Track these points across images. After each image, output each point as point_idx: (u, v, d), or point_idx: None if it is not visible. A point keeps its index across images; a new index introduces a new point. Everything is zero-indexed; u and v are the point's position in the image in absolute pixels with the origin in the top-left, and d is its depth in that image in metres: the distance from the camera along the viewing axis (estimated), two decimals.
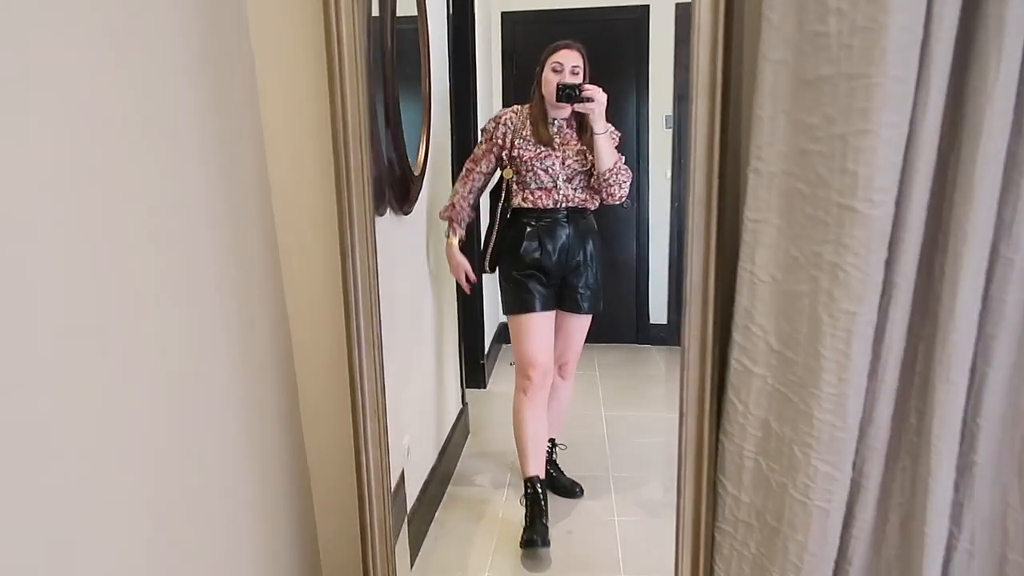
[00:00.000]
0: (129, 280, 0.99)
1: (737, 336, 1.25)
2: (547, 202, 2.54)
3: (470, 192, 2.62)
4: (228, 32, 1.30)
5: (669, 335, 5.35)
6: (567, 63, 2.47)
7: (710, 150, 1.24)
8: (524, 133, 2.53)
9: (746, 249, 1.21)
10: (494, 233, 2.62)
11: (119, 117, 0.98)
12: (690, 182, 1.27)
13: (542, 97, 2.53)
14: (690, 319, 1.33)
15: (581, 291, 2.63)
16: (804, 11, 1.07)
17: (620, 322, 4.79)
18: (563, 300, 2.65)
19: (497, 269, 2.65)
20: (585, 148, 2.51)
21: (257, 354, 1.34)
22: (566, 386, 2.83)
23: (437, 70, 2.87)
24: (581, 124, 2.54)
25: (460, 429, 3.19)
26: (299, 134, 1.41)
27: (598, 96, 2.38)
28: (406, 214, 2.26)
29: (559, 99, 2.40)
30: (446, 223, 2.66)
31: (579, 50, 2.50)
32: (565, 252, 2.56)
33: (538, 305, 2.57)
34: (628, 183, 2.49)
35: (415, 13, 2.41)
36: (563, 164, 2.51)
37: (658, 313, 5.37)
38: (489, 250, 2.63)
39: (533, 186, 2.53)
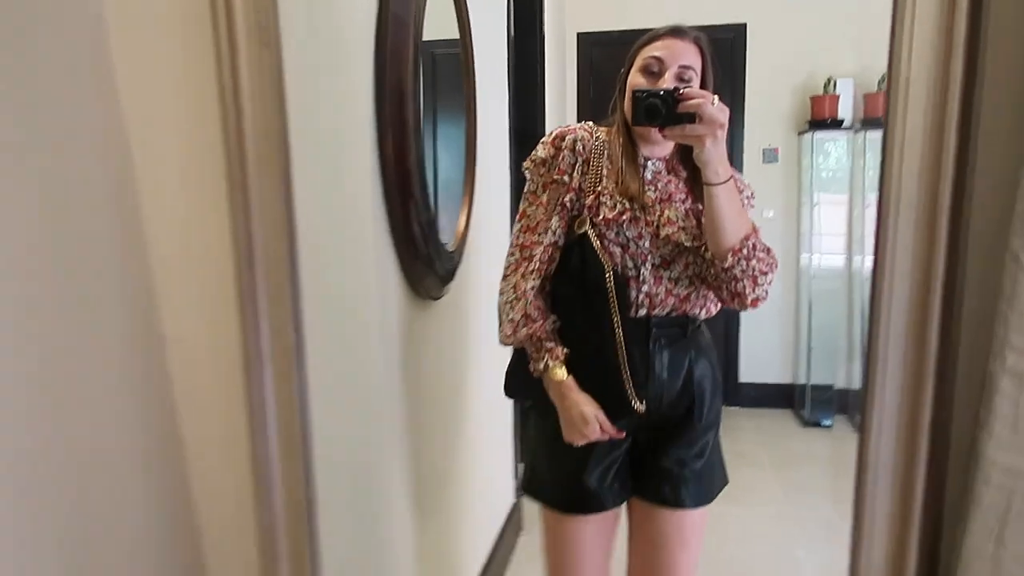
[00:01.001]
0: None
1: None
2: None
3: (542, 279, 1.45)
4: None
5: (762, 396, 4.71)
6: (672, 60, 1.38)
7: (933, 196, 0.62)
8: (599, 171, 1.45)
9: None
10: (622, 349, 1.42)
11: None
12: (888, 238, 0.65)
13: (626, 122, 1.43)
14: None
15: (678, 469, 1.49)
16: None
17: None
18: (645, 483, 1.52)
19: (523, 398, 1.57)
20: (700, 214, 1.42)
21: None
22: None
23: (491, 106, 2.31)
24: (694, 172, 1.41)
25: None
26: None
27: (709, 111, 1.26)
28: (435, 299, 1.69)
29: (636, 119, 1.33)
30: (530, 347, 1.46)
31: (697, 42, 1.41)
32: (652, 393, 1.44)
33: (605, 498, 1.49)
34: (770, 276, 1.40)
35: (456, 35, 1.86)
36: (656, 238, 1.42)
37: (750, 371, 4.71)
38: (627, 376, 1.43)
39: None
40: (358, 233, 1.31)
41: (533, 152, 1.49)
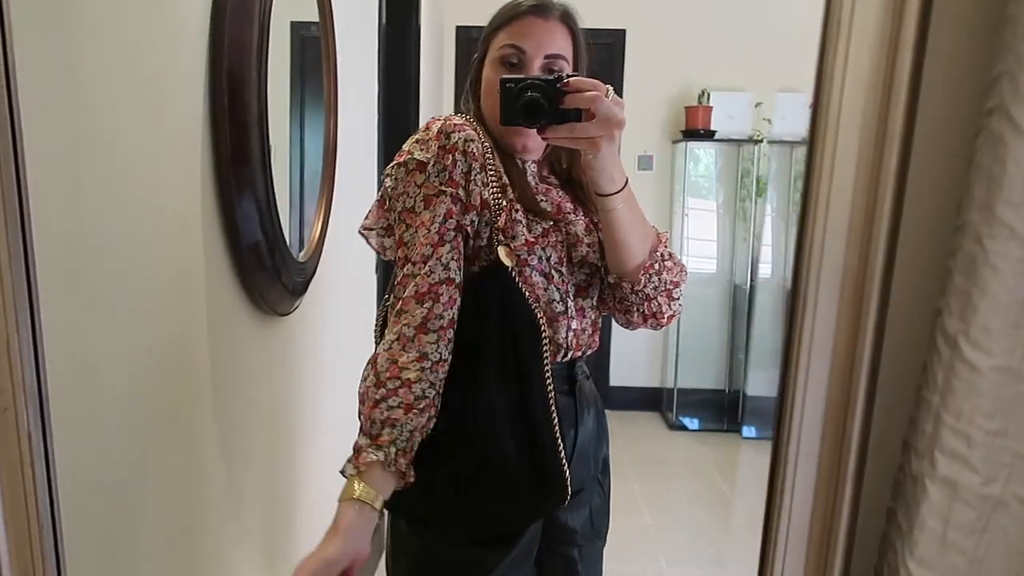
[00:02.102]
0: None
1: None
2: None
3: (445, 343, 1.05)
4: None
5: (632, 400, 4.75)
6: (537, 49, 1.11)
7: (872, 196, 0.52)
8: (499, 179, 1.12)
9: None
10: (555, 420, 1.10)
11: None
12: (809, 246, 0.55)
13: (481, 118, 1.18)
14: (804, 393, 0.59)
15: (582, 529, 1.22)
16: None
17: None
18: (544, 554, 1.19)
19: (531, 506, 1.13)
20: (597, 226, 1.16)
21: None
22: None
23: (356, 98, 2.13)
24: (569, 176, 1.22)
25: None
26: None
27: (606, 106, 0.99)
28: (284, 315, 1.50)
29: (509, 117, 1.04)
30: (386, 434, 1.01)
31: (566, 21, 1.14)
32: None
33: None
34: (682, 285, 1.18)
35: (307, 18, 1.67)
36: (569, 261, 1.15)
37: (620, 375, 4.73)
38: (564, 454, 1.10)
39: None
40: (176, 241, 1.10)
41: (402, 153, 1.10)
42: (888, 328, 0.47)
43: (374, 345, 1.16)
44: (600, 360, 4.60)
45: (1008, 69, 0.41)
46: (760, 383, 4.19)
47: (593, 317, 1.19)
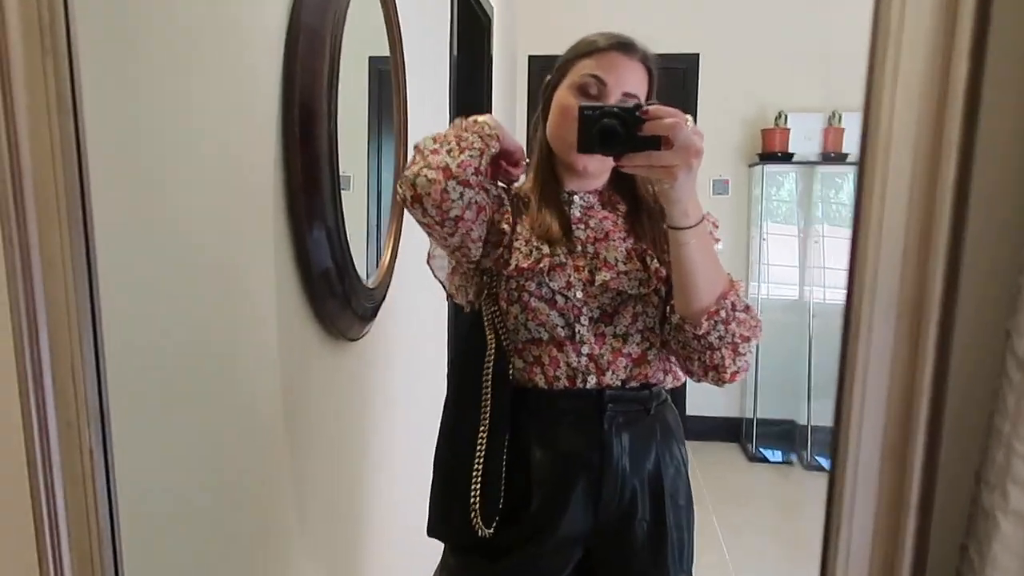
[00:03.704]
0: None
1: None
2: (556, 374, 1.17)
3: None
4: None
5: (711, 430, 4.63)
6: (616, 83, 1.14)
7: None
8: (517, 218, 1.21)
9: None
10: (481, 448, 1.17)
11: None
12: (862, 269, 0.52)
13: (549, 150, 1.22)
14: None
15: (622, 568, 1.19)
16: None
17: None
18: None
19: (489, 529, 1.16)
20: (647, 252, 1.18)
21: None
22: None
23: (427, 127, 2.17)
24: (635, 204, 1.22)
25: None
26: None
27: (685, 135, 0.99)
28: (353, 340, 1.53)
29: (587, 145, 1.04)
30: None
31: (645, 63, 1.17)
32: (604, 493, 1.17)
33: None
34: (753, 342, 1.11)
35: (385, 53, 1.72)
36: (589, 285, 1.16)
37: (696, 405, 4.62)
38: (476, 487, 1.16)
39: (523, 337, 1.19)
40: (250, 270, 1.14)
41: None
42: (954, 352, 0.44)
43: (446, 385, 1.26)
44: (677, 389, 4.50)
45: None
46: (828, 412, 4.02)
47: (617, 346, 1.17)
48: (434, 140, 1.13)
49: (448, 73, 2.49)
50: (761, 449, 4.27)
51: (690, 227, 1.05)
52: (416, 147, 1.14)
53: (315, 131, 1.28)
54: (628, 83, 1.14)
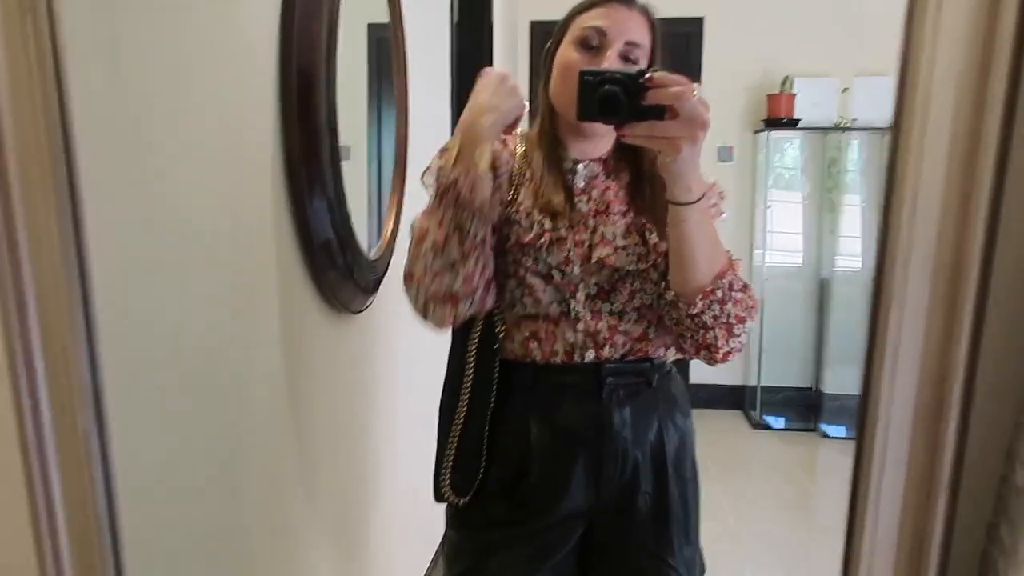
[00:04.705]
0: None
1: None
2: (554, 349, 1.14)
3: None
4: None
5: (714, 397, 4.63)
6: (617, 33, 1.09)
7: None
8: (516, 192, 1.16)
9: None
10: (460, 416, 1.18)
11: None
12: (896, 236, 0.51)
13: (551, 111, 1.18)
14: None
15: (655, 565, 1.16)
16: None
17: None
18: None
19: (463, 498, 1.18)
20: (646, 226, 1.14)
21: None
22: None
23: (429, 97, 2.13)
24: (638, 174, 1.17)
25: None
26: None
27: (691, 105, 0.93)
28: (356, 312, 1.51)
29: (586, 112, 0.98)
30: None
31: (646, 14, 1.12)
32: (605, 467, 1.14)
33: None
34: (748, 323, 1.08)
35: (384, 19, 1.67)
36: (586, 261, 1.12)
37: (700, 372, 4.61)
38: (449, 456, 1.19)
39: (518, 312, 1.16)
40: (250, 241, 1.12)
41: (433, 160, 1.19)
42: (987, 325, 0.42)
43: (449, 344, 1.24)
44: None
45: None
46: (844, 380, 4.03)
47: (613, 323, 1.14)
48: (427, 238, 1.06)
49: (449, 40, 2.45)
50: (765, 416, 4.27)
51: (691, 203, 1.00)
52: (412, 234, 1.10)
53: (314, 99, 1.24)
54: (630, 32, 1.09)
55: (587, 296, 1.13)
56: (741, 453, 3.97)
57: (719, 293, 1.05)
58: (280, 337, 1.21)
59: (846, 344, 4.05)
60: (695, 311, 1.05)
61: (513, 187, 1.16)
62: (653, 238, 1.12)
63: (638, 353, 1.16)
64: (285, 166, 1.20)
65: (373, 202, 1.73)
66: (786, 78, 4.10)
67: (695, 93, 0.94)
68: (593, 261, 1.11)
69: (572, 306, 1.13)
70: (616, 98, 0.95)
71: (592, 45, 1.09)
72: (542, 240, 1.11)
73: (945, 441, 0.41)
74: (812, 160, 4.20)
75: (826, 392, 4.16)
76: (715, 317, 1.05)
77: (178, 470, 0.92)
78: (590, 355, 1.13)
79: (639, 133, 0.96)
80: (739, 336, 1.08)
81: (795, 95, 4.07)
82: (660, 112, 0.94)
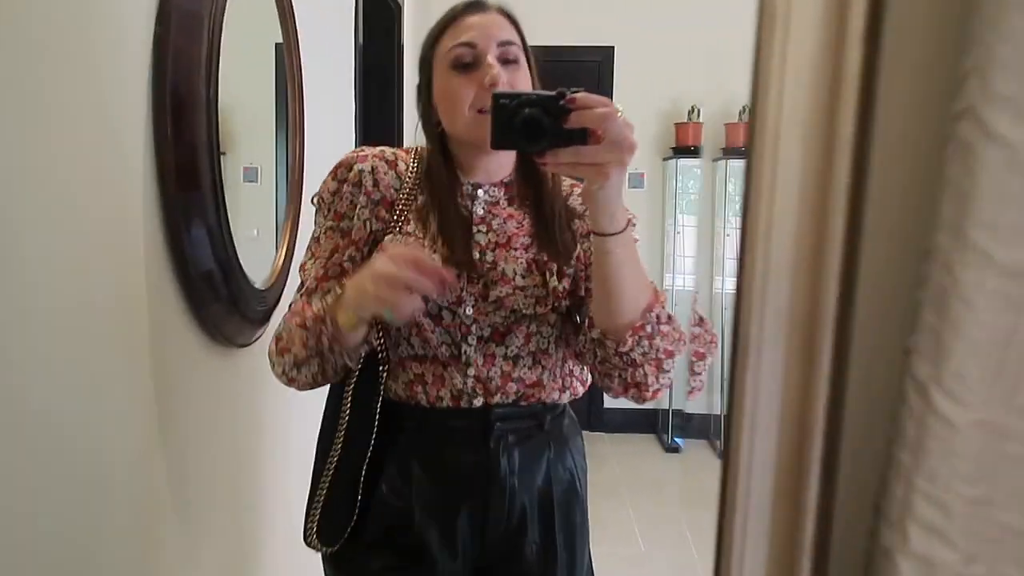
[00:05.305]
0: None
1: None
2: (440, 395, 1.07)
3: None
4: None
5: (626, 422, 4.65)
6: (486, 40, 1.03)
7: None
8: (401, 216, 1.08)
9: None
10: (333, 460, 1.11)
11: None
12: (749, 283, 0.49)
13: (442, 138, 1.10)
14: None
15: None
16: None
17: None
18: None
19: (329, 547, 1.12)
20: (548, 265, 1.07)
21: None
22: None
23: (328, 119, 2.07)
24: (542, 200, 1.10)
25: None
26: None
27: (617, 126, 0.85)
28: (243, 346, 1.43)
29: (503, 138, 0.89)
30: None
31: (504, 13, 1.07)
32: (491, 515, 1.09)
33: None
34: (677, 356, 1.02)
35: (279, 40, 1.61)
36: (481, 301, 1.06)
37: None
38: (318, 500, 1.12)
39: (404, 352, 1.09)
40: (115, 273, 1.04)
41: (325, 185, 1.12)
42: (852, 373, 0.40)
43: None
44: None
45: (978, 65, 0.34)
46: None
47: (507, 369, 1.07)
48: (288, 353, 1.05)
49: (353, 60, 2.39)
50: (676, 440, 4.32)
51: (616, 233, 0.92)
52: (277, 335, 1.09)
53: (192, 121, 1.17)
54: (498, 33, 1.04)
55: (480, 339, 1.06)
56: (653, 476, 4.00)
57: (649, 328, 0.97)
58: (151, 374, 1.13)
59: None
60: (624, 348, 0.97)
61: (401, 212, 1.08)
62: (553, 281, 1.05)
63: (530, 399, 1.09)
64: (159, 193, 1.13)
65: (282, 222, 1.66)
66: (693, 107, 4.22)
67: (620, 114, 0.86)
68: (489, 301, 1.05)
69: (463, 349, 1.06)
70: (539, 122, 0.86)
71: (467, 63, 1.03)
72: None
73: (808, 504, 0.39)
74: (710, 187, 4.32)
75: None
76: (644, 354, 0.98)
77: (36, 518, 0.83)
78: (478, 402, 1.07)
79: (564, 160, 0.87)
80: (668, 372, 1.01)
81: (702, 124, 4.18)
82: (584, 136, 0.86)
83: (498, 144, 0.90)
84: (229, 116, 1.49)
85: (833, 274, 0.35)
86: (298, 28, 1.66)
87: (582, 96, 0.86)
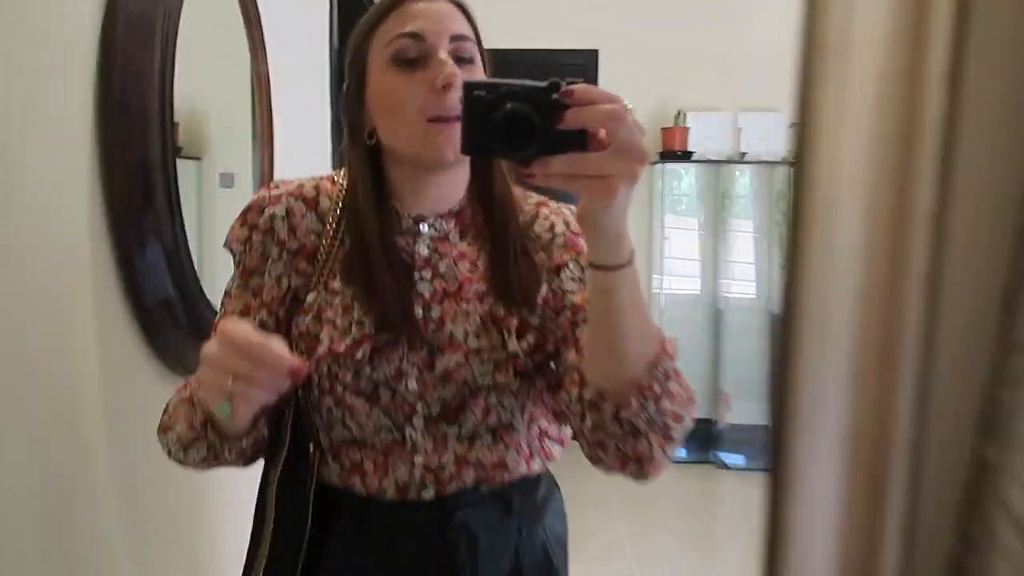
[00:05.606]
0: None
1: None
2: (382, 486, 0.86)
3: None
4: None
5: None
6: (438, 33, 0.83)
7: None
8: (324, 268, 0.88)
9: None
10: (263, 551, 0.87)
11: None
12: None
13: (374, 157, 0.89)
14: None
15: None
16: None
17: None
18: None
19: None
20: (506, 322, 0.86)
21: None
22: None
23: (302, 135, 1.98)
24: (498, 228, 0.89)
25: None
26: None
27: (626, 130, 0.62)
28: None
29: (477, 145, 0.66)
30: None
31: (458, 2, 0.87)
32: None
33: None
34: (687, 421, 0.78)
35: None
36: (428, 372, 0.84)
37: None
38: None
39: (338, 436, 0.88)
40: (54, 305, 0.94)
41: (235, 231, 0.90)
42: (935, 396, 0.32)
43: None
44: None
45: None
46: (742, 410, 4.07)
47: (462, 452, 0.86)
48: (172, 431, 0.84)
49: (328, 64, 2.30)
50: None
51: (620, 266, 0.70)
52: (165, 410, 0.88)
53: (144, 136, 1.08)
54: (452, 26, 0.83)
55: (428, 419, 0.85)
56: (643, 487, 3.92)
57: (656, 388, 0.75)
58: (104, 409, 1.03)
59: (744, 373, 4.09)
60: (627, 413, 0.75)
61: (324, 263, 0.87)
62: (512, 343, 0.84)
63: (492, 483, 0.88)
64: (107, 216, 1.03)
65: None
66: (679, 112, 4.14)
67: (629, 112, 0.63)
68: (436, 373, 0.83)
69: (408, 433, 0.85)
70: (526, 120, 0.62)
71: (411, 58, 0.82)
72: (362, 349, 0.82)
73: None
74: (707, 191, 4.26)
75: (724, 423, 4.17)
76: (650, 420, 0.75)
77: None
78: (428, 494, 0.85)
79: (557, 170, 0.63)
80: (676, 441, 0.79)
81: (688, 128, 4.11)
82: (582, 140, 0.63)
83: (471, 149, 0.66)
84: (203, 121, 1.41)
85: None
86: (264, 31, 1.56)
87: (581, 89, 0.62)
